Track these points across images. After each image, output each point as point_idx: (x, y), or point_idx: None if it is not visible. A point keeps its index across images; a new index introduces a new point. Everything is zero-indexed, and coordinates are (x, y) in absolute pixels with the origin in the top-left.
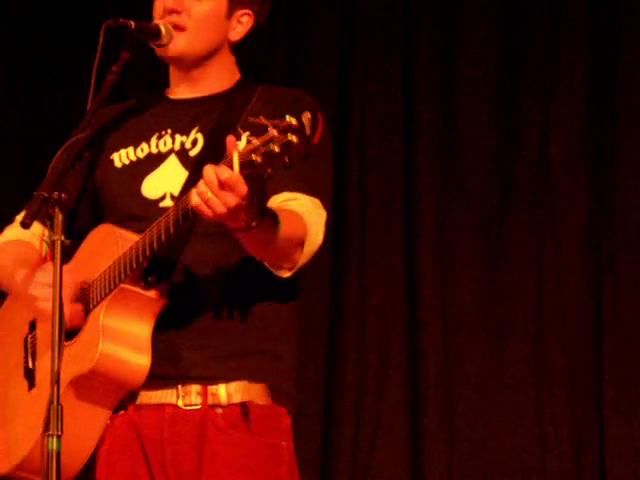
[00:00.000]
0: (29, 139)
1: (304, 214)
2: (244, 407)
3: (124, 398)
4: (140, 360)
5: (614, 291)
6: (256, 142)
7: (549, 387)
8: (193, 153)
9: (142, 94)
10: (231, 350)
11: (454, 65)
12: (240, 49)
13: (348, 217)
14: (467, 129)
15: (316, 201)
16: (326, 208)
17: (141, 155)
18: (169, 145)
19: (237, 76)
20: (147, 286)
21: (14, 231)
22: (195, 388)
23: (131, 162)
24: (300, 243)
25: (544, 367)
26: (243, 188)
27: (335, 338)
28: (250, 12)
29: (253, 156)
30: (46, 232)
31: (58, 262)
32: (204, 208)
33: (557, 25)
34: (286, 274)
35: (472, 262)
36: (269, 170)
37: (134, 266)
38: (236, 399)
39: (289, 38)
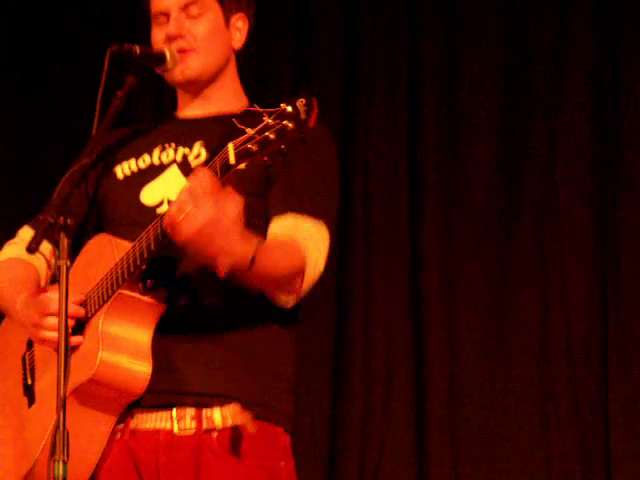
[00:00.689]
0: (31, 162)
1: (303, 243)
2: (239, 430)
3: (123, 412)
4: (141, 367)
5: (619, 307)
6: (251, 131)
7: (555, 407)
8: (195, 164)
9: (149, 117)
10: (226, 366)
11: (459, 82)
12: (241, 58)
13: (352, 237)
14: (472, 146)
15: (319, 224)
16: (330, 230)
17: (142, 166)
18: (171, 157)
19: (245, 100)
20: (145, 291)
21: (17, 248)
22: (189, 412)
23: (132, 173)
24: (299, 273)
25: (549, 386)
26: (210, 207)
27: (339, 366)
28: (243, 15)
29: (249, 145)
30: (53, 250)
31: (64, 286)
32: (175, 231)
33: (563, 40)
34: (289, 304)
35: (477, 282)
36: (265, 158)
37: (131, 270)
38: (231, 422)
39: (294, 51)
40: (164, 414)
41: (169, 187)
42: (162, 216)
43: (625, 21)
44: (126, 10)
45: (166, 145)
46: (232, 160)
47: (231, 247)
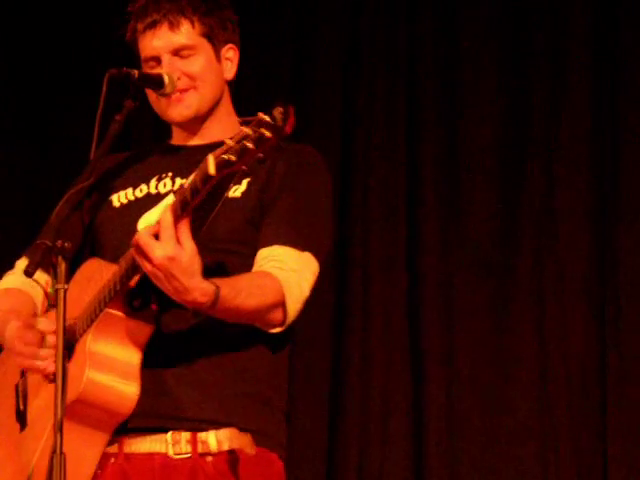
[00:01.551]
0: (31, 187)
1: (282, 275)
2: (234, 455)
3: (115, 431)
4: (128, 388)
5: (618, 338)
6: (230, 142)
7: (554, 441)
8: None
9: (146, 143)
10: (220, 391)
11: (459, 109)
12: (233, 86)
13: (350, 263)
14: (471, 165)
15: (306, 255)
16: (319, 260)
17: (139, 195)
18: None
19: (237, 122)
20: (133, 311)
21: (13, 278)
22: (185, 436)
23: (129, 201)
24: (276, 306)
25: (548, 416)
26: (168, 245)
27: (338, 393)
28: (233, 45)
29: (227, 155)
30: (49, 281)
31: (61, 310)
32: (139, 260)
33: (562, 70)
34: (275, 330)
35: (475, 312)
36: (243, 167)
37: (117, 289)
38: (226, 446)
39: (293, 66)
40: (159, 437)
41: None
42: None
43: (624, 50)
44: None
45: (163, 175)
46: (212, 171)
47: (189, 285)
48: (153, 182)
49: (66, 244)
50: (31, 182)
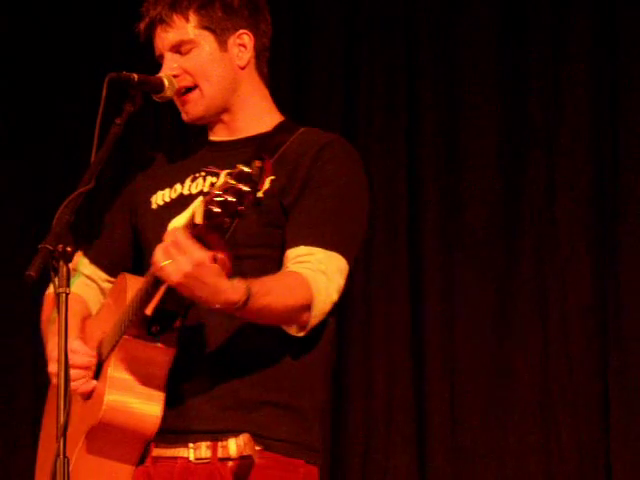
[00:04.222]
0: (31, 195)
1: (311, 276)
2: (253, 460)
3: (143, 452)
4: (150, 409)
5: (619, 334)
6: (213, 191)
7: (556, 430)
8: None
9: (188, 140)
10: (240, 401)
11: (459, 114)
12: (263, 72)
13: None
14: (472, 176)
15: (334, 255)
16: (348, 260)
17: (174, 196)
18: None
19: (276, 116)
20: (151, 336)
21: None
22: (205, 443)
23: (165, 203)
24: (305, 307)
25: (550, 411)
26: (195, 253)
27: (341, 395)
28: (246, 31)
29: (211, 207)
30: (103, 277)
31: (63, 315)
32: (162, 274)
33: (562, 68)
34: (299, 334)
35: (476, 310)
36: (226, 219)
37: (133, 317)
38: (246, 452)
39: (294, 67)
40: (182, 448)
41: None
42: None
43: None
44: (126, 39)
45: (197, 174)
46: (199, 220)
47: (220, 285)
48: (187, 182)
49: (67, 248)
50: (31, 186)
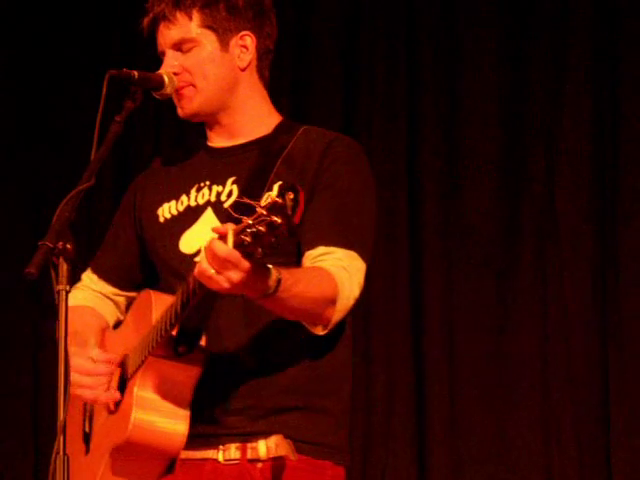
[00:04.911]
0: (31, 192)
1: (335, 271)
2: (282, 461)
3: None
4: (176, 427)
5: (619, 332)
6: (247, 220)
7: (557, 428)
8: (227, 205)
9: (187, 143)
10: (270, 409)
11: (458, 114)
12: (264, 75)
13: None
14: (472, 176)
15: (352, 254)
16: (365, 259)
17: (181, 208)
18: (206, 197)
19: (275, 116)
20: (178, 355)
21: (82, 294)
22: (234, 445)
23: (172, 216)
24: (331, 301)
25: (551, 410)
26: (244, 264)
27: None
28: (249, 33)
29: (242, 236)
30: (114, 291)
31: (63, 312)
32: (211, 283)
33: (562, 69)
34: (321, 332)
35: (476, 310)
36: (259, 249)
37: (162, 336)
38: (275, 453)
39: (294, 67)
40: (211, 450)
41: (205, 234)
42: (187, 282)
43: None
44: (126, 36)
45: (202, 184)
46: (230, 247)
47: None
48: (193, 193)
49: (68, 245)
50: (32, 183)
